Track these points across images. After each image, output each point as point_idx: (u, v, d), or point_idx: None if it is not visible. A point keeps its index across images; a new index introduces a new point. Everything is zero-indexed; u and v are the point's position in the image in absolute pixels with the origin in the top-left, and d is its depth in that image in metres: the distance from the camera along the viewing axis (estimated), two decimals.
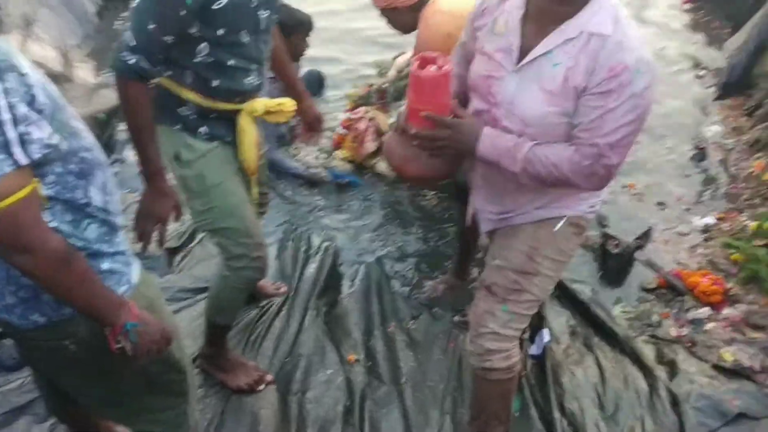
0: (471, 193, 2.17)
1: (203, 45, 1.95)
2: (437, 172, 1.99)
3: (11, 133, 1.20)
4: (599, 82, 1.66)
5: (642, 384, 2.67)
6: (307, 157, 4.05)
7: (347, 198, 3.83)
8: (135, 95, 1.92)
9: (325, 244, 3.41)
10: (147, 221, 2.06)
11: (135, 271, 1.58)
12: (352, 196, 3.84)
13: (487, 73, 1.85)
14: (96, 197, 1.44)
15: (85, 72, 4.62)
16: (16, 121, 1.21)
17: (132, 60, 1.86)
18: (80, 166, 1.40)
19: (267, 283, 3.08)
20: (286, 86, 2.60)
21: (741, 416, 2.50)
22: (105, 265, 1.49)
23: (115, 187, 1.54)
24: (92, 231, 1.45)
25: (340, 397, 2.59)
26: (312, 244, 3.42)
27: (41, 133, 1.26)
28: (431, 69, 1.84)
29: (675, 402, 2.57)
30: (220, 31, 1.93)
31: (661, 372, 2.71)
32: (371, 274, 3.22)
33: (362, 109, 4.13)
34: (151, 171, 2.03)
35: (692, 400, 2.57)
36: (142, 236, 2.07)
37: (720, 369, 2.70)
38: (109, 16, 5.90)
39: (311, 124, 2.71)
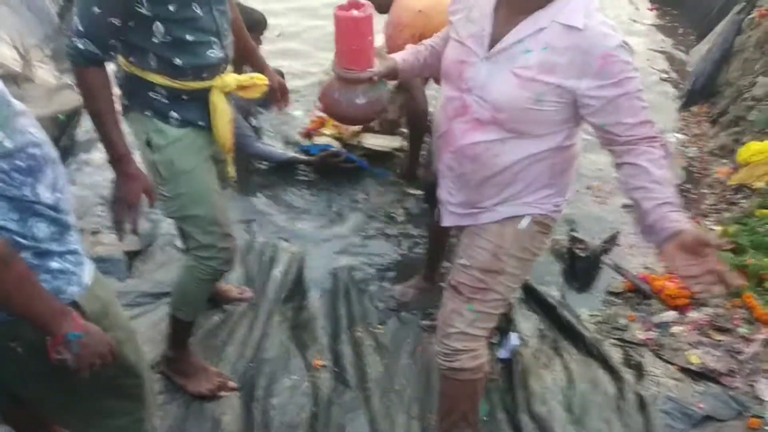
0: (438, 185, 2.15)
1: (158, 24, 1.91)
2: (362, 113, 2.09)
3: None
4: (599, 73, 1.68)
5: (610, 387, 2.66)
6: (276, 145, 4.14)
7: (314, 201, 3.79)
8: (90, 80, 1.91)
9: (292, 247, 3.36)
10: (120, 208, 2.03)
11: (87, 272, 1.53)
12: (319, 199, 3.80)
13: (459, 59, 1.87)
14: (45, 194, 1.39)
15: (45, 72, 4.50)
16: None
17: (80, 45, 1.84)
18: (28, 162, 1.34)
19: (231, 286, 3.02)
20: (246, 57, 2.57)
21: (707, 419, 2.51)
22: (54, 264, 1.43)
23: (66, 185, 1.48)
24: (40, 229, 1.39)
25: (306, 403, 2.53)
26: (278, 247, 3.36)
27: None
28: (353, 12, 1.90)
29: (642, 405, 2.56)
30: (171, 7, 1.90)
31: (628, 375, 2.70)
32: (339, 278, 3.18)
33: None
34: (115, 156, 2.01)
35: (659, 402, 2.57)
36: (117, 224, 2.04)
37: (686, 371, 2.71)
38: (70, 17, 5.78)
39: (281, 91, 2.66)
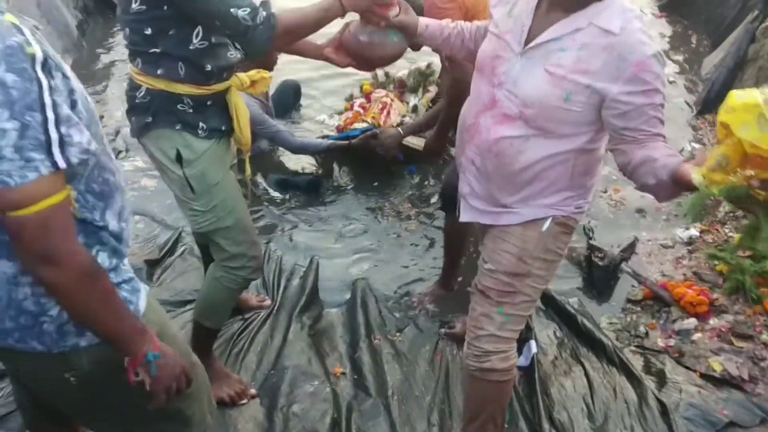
0: (459, 180, 2.15)
1: (199, 29, 1.96)
2: (361, 50, 2.18)
3: (53, 133, 1.15)
4: (631, 79, 1.71)
5: (631, 394, 2.64)
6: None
7: (331, 211, 3.80)
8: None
9: (310, 256, 3.37)
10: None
11: (142, 299, 1.48)
12: (335, 209, 3.81)
13: (495, 53, 1.90)
14: (112, 222, 1.38)
15: None
16: (58, 122, 1.16)
17: (265, 13, 1.91)
18: (102, 187, 1.34)
19: (251, 295, 3.04)
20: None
21: (731, 425, 2.49)
22: None
23: (130, 216, 1.47)
24: (102, 258, 1.37)
25: (327, 409, 2.54)
26: (296, 256, 3.38)
27: (81, 137, 1.21)
28: None
29: (664, 412, 2.55)
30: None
31: (649, 382, 2.69)
32: (357, 287, 3.18)
33: (383, 90, 4.42)
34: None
35: (681, 409, 2.56)
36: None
37: (708, 378, 2.69)
38: (89, 30, 5.86)
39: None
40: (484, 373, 2.11)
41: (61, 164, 1.16)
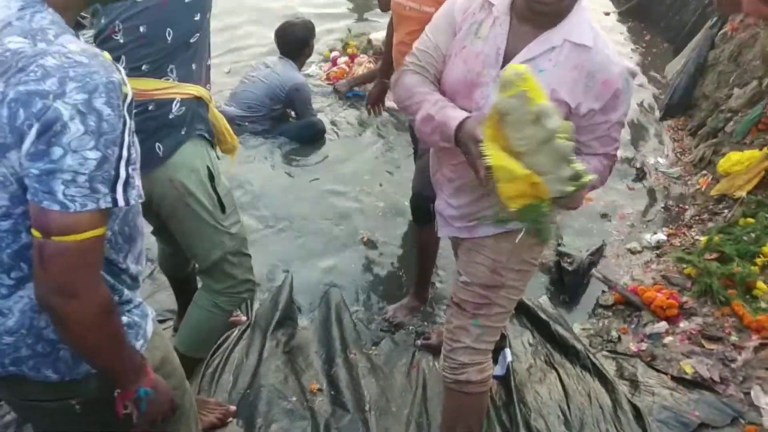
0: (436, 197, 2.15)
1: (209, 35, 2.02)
2: None
3: (122, 171, 1.17)
4: (597, 97, 1.75)
5: (605, 399, 2.67)
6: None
7: (303, 223, 3.79)
8: None
9: (282, 271, 3.35)
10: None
11: (149, 324, 1.47)
12: (308, 222, 3.80)
13: (467, 79, 1.82)
14: (132, 266, 1.39)
15: None
16: (128, 162, 1.18)
17: None
18: (130, 230, 1.35)
19: None
20: None
21: (703, 426, 2.53)
22: (124, 318, 1.39)
23: (144, 260, 1.48)
24: (121, 295, 1.38)
25: (305, 427, 2.52)
26: (269, 271, 3.36)
27: (138, 181, 1.23)
28: None
29: (638, 415, 2.58)
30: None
31: (623, 386, 2.72)
32: (330, 302, 3.17)
33: (365, 56, 5.51)
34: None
35: (655, 412, 2.60)
36: None
37: (679, 380, 2.74)
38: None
39: None
40: (460, 385, 2.11)
41: (121, 202, 1.19)
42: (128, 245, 1.36)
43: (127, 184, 1.19)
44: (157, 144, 1.99)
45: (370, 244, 3.64)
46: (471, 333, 2.06)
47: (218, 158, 2.20)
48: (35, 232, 1.15)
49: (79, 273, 1.17)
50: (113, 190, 1.17)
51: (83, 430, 1.46)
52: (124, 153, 1.18)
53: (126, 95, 1.19)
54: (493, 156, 1.59)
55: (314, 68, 5.53)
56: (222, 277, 2.23)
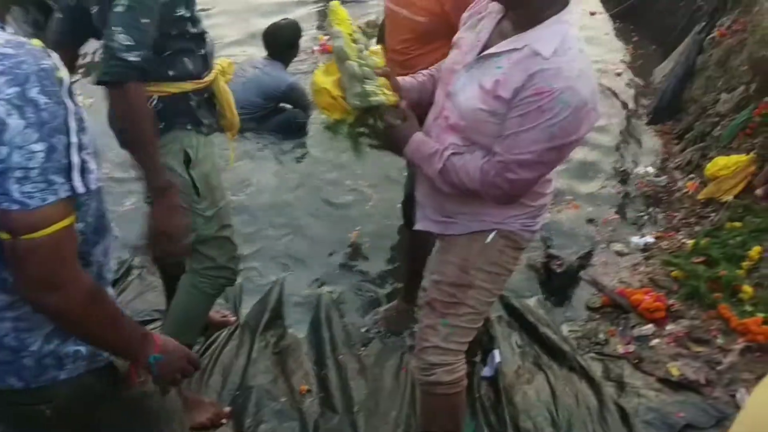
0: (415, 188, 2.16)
1: (189, 23, 2.03)
2: None
3: (75, 158, 1.14)
4: (523, 98, 1.68)
5: (592, 400, 2.70)
6: None
7: (294, 226, 3.79)
8: (137, 97, 1.89)
9: (273, 272, 3.35)
10: (165, 241, 2.01)
11: None
12: (299, 224, 3.80)
13: (452, 66, 1.90)
14: (99, 259, 1.36)
15: None
16: (80, 147, 1.16)
17: (132, 58, 1.82)
18: (96, 223, 1.32)
19: (213, 312, 2.99)
20: None
21: (688, 427, 2.56)
22: None
23: (111, 255, 1.44)
24: None
25: (294, 428, 2.53)
26: (259, 272, 3.36)
27: (94, 166, 1.20)
28: None
29: (624, 416, 2.61)
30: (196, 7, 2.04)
31: (609, 388, 2.75)
32: (320, 303, 3.18)
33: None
34: (162, 185, 1.98)
35: (641, 414, 2.62)
36: (163, 256, 2.02)
37: (665, 382, 2.76)
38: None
39: None
40: (430, 386, 2.10)
41: (80, 189, 1.16)
42: (97, 237, 1.33)
43: (82, 170, 1.16)
44: None
45: (361, 246, 3.64)
46: (440, 332, 2.05)
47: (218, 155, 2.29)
48: (3, 234, 1.13)
49: (56, 265, 1.16)
50: (69, 178, 1.14)
51: None
52: (73, 139, 1.14)
53: (61, 80, 1.14)
54: (316, 74, 1.87)
55: (307, 66, 5.51)
56: (200, 257, 2.29)
